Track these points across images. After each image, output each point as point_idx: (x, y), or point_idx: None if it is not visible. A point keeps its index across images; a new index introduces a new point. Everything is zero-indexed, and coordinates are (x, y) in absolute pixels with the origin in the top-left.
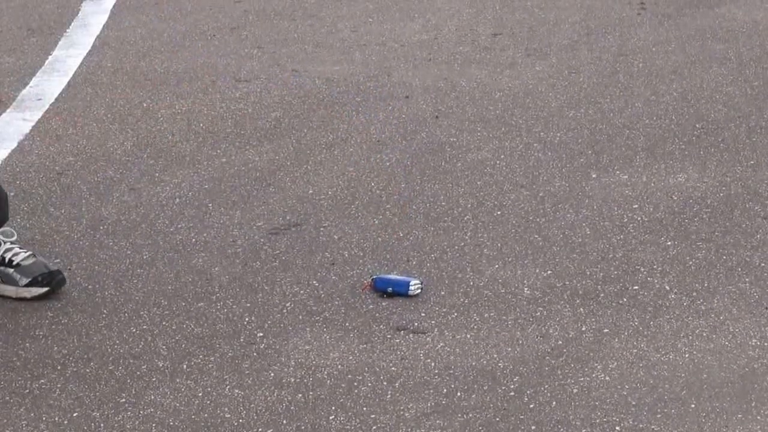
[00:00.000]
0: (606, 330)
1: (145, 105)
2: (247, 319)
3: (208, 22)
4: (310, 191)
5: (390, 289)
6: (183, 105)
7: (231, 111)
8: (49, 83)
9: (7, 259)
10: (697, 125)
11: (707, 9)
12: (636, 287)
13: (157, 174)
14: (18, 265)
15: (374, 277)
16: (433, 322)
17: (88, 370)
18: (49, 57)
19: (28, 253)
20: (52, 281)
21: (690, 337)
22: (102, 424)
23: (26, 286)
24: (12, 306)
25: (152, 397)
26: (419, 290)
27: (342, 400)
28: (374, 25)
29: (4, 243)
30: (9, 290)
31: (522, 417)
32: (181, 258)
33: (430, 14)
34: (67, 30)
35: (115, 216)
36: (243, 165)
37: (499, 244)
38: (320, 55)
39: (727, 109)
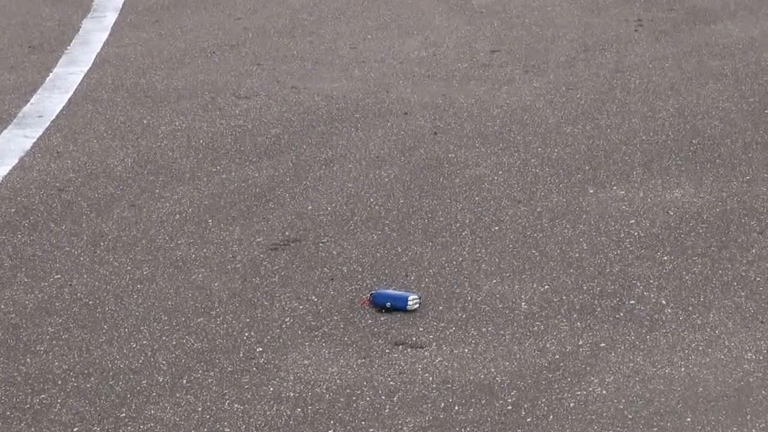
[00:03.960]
0: (602, 344)
1: (145, 122)
2: (246, 334)
3: (208, 39)
4: (309, 207)
5: (388, 304)
6: (183, 122)
7: (231, 127)
8: (50, 100)
9: None
10: (694, 141)
11: (704, 26)
12: (632, 302)
13: (157, 190)
14: None
15: (373, 292)
16: (431, 336)
17: (88, 385)
18: (50, 74)
19: None
20: None
21: (686, 351)
22: None
23: None
24: (13, 321)
25: (152, 412)
26: (417, 305)
27: (341, 414)
28: (373, 42)
29: None
30: None
31: (519, 431)
32: (180, 274)
33: (429, 31)
34: (68, 47)
35: (116, 232)
36: (243, 181)
37: (496, 259)
38: (319, 72)
39: (724, 124)
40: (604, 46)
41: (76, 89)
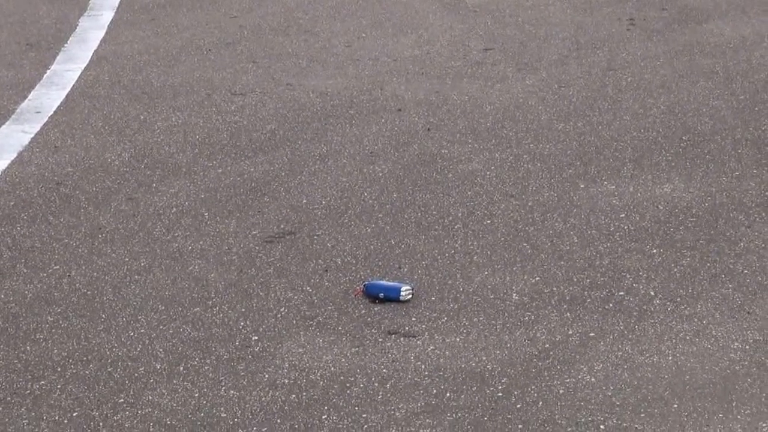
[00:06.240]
0: (592, 334)
1: (141, 117)
2: (242, 323)
3: (204, 37)
4: (304, 201)
5: (381, 295)
6: (179, 117)
7: (226, 123)
8: (47, 96)
9: None
10: (684, 137)
11: (695, 25)
12: (622, 293)
13: (154, 184)
14: None
15: (366, 283)
16: (423, 326)
17: (87, 372)
18: (48, 71)
19: None
20: None
21: (673, 341)
22: (101, 423)
23: None
24: (13, 311)
25: (150, 398)
26: (410, 296)
27: (335, 400)
28: (368, 40)
29: None
30: None
31: (509, 416)
32: (177, 265)
33: (423, 30)
34: (65, 45)
35: (113, 225)
36: (238, 175)
37: (488, 252)
38: (314, 69)
39: (714, 121)
40: (596, 45)
41: (73, 86)
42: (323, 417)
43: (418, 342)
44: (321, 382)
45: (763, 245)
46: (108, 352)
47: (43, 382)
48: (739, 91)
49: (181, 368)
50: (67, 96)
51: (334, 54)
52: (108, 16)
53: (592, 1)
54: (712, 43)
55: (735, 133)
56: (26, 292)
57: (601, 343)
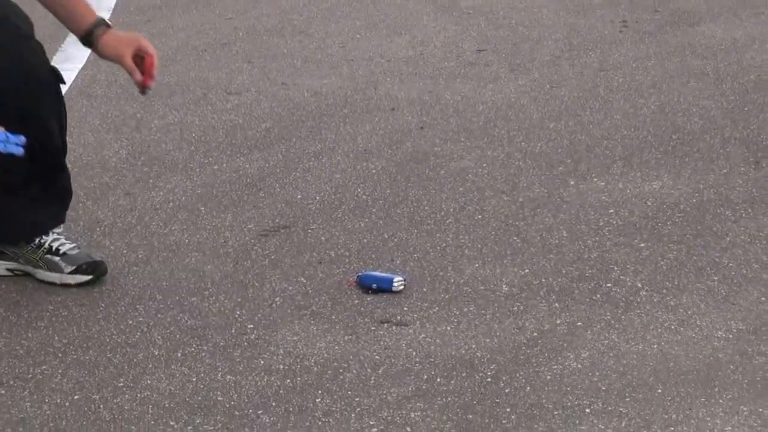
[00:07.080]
0: (579, 323)
1: (138, 116)
2: (238, 312)
3: (199, 38)
4: (299, 196)
5: (374, 285)
6: (175, 116)
7: (222, 122)
8: None
9: (54, 248)
10: (674, 136)
11: (687, 27)
12: (609, 285)
13: (151, 180)
14: (64, 254)
15: (359, 273)
16: (415, 315)
17: (87, 358)
18: None
19: (73, 245)
20: (95, 270)
21: (659, 330)
22: (101, 406)
23: (71, 273)
24: (14, 300)
25: (149, 382)
26: (402, 286)
27: (328, 385)
28: (362, 41)
29: (53, 233)
30: (53, 277)
31: (498, 401)
32: (174, 257)
33: (417, 31)
34: (62, 45)
35: (111, 218)
36: (234, 172)
37: (479, 246)
38: (309, 69)
39: (703, 121)
40: (588, 46)
41: (70, 85)
42: (317, 400)
43: (410, 330)
44: (315, 368)
45: (748, 240)
46: (107, 339)
47: (44, 366)
48: (729, 91)
49: (179, 354)
50: (64, 95)
51: (329, 54)
52: (105, 17)
53: (585, 3)
54: (704, 45)
55: (724, 132)
56: (27, 282)
57: (588, 332)
